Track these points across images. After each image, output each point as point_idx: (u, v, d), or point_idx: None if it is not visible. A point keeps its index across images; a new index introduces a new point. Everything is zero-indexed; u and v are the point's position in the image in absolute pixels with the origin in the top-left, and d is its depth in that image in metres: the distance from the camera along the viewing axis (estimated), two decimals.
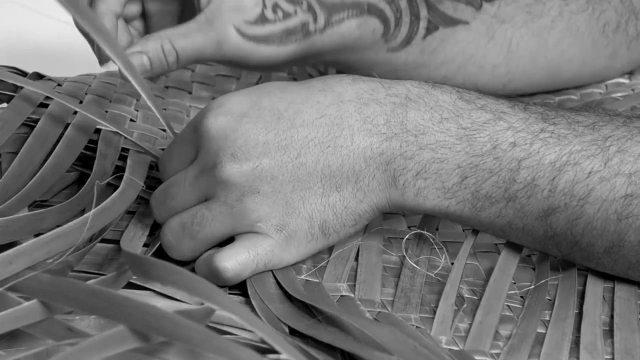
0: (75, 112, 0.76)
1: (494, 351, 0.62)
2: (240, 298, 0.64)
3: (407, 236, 0.70)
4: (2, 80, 0.77)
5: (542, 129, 0.64)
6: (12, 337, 0.57)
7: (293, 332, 0.61)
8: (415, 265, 0.68)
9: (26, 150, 0.72)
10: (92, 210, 0.64)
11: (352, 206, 0.65)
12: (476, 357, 0.61)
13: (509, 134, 0.64)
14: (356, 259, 0.68)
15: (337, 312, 0.60)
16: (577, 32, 0.88)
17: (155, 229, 0.70)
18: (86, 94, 0.82)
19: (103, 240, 0.68)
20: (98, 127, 0.76)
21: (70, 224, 0.63)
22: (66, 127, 0.75)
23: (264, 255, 0.64)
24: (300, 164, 0.64)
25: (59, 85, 0.81)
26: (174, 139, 0.69)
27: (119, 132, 0.75)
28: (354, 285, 0.66)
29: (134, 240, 0.68)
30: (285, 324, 0.62)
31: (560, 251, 0.66)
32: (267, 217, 0.64)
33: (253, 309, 0.63)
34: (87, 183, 0.71)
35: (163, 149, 0.75)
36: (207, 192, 0.65)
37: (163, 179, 0.68)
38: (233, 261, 0.64)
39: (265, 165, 0.63)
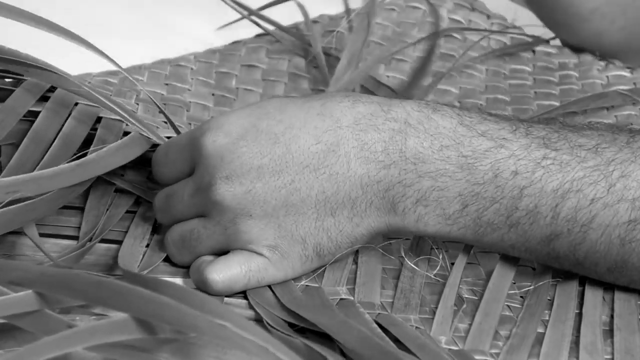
0: (76, 104, 0.76)
1: (493, 351, 0.62)
2: (241, 301, 0.65)
3: (405, 237, 0.70)
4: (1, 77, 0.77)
5: (544, 156, 0.64)
6: (10, 335, 0.57)
7: (296, 331, 0.62)
8: (414, 267, 0.68)
9: (26, 145, 0.72)
10: (91, 149, 0.69)
11: (348, 230, 0.65)
12: (476, 357, 0.61)
13: (510, 162, 0.64)
14: (355, 261, 0.68)
15: (322, 316, 0.60)
16: None
17: (155, 230, 0.70)
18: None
19: (102, 241, 0.68)
20: (100, 115, 0.76)
21: (70, 164, 0.66)
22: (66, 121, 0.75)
23: (257, 272, 0.65)
24: (294, 189, 0.64)
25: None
26: (170, 140, 0.69)
27: (119, 119, 0.75)
28: (354, 288, 0.66)
29: (134, 246, 0.68)
30: (286, 321, 0.62)
31: (562, 268, 0.66)
32: (259, 239, 0.64)
33: (254, 311, 0.63)
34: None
35: (167, 137, 0.75)
36: (202, 209, 0.65)
37: (156, 179, 0.70)
38: (224, 274, 0.64)
39: (258, 189, 0.63)
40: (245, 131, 0.64)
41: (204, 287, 0.64)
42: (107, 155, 0.69)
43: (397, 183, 0.64)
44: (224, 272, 0.64)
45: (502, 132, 0.64)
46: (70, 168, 0.67)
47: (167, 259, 0.68)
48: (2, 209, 0.64)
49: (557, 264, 0.66)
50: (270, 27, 0.96)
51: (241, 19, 0.95)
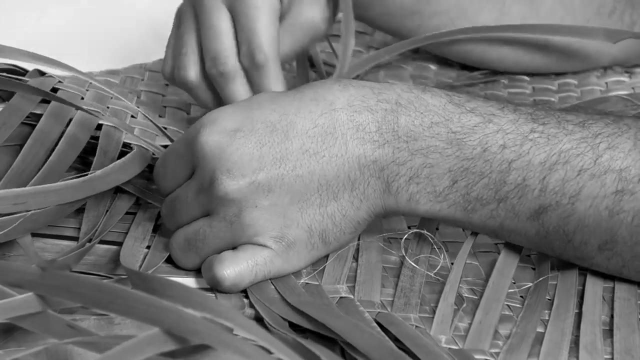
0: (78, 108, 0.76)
1: (493, 350, 0.62)
2: (244, 301, 0.65)
3: (406, 236, 0.70)
4: (2, 78, 0.76)
5: (532, 130, 0.64)
6: (11, 335, 0.57)
7: (296, 330, 0.61)
8: (414, 265, 0.68)
9: (28, 149, 0.72)
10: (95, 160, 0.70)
11: (351, 214, 0.65)
12: (476, 356, 0.61)
13: (498, 137, 0.64)
14: (356, 259, 0.68)
15: (330, 316, 0.60)
16: (570, 5, 0.89)
17: (156, 230, 0.70)
18: (87, 90, 0.82)
19: (102, 242, 0.68)
20: (100, 122, 0.76)
21: (76, 180, 0.67)
22: (68, 123, 0.75)
23: (264, 266, 0.65)
24: (296, 176, 0.64)
25: (59, 82, 0.81)
26: (166, 150, 0.69)
27: (119, 127, 0.75)
28: (354, 287, 0.66)
29: (135, 246, 0.68)
30: (286, 320, 0.62)
31: (553, 251, 0.66)
32: (265, 230, 0.64)
33: (255, 311, 0.63)
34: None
35: (164, 146, 0.75)
36: (207, 207, 0.65)
37: (160, 191, 0.69)
38: (231, 270, 0.64)
39: (261, 179, 0.63)
40: (241, 123, 0.64)
41: (214, 284, 0.64)
42: (112, 172, 0.70)
43: (391, 162, 0.64)
44: (231, 267, 0.64)
45: (490, 109, 0.65)
46: (77, 183, 0.68)
47: (169, 261, 0.68)
48: (2, 218, 0.64)
49: (548, 244, 0.66)
50: None
51: None
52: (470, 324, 0.63)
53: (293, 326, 0.62)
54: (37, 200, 0.66)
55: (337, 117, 0.64)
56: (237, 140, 0.64)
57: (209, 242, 0.65)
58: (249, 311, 0.64)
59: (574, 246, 0.65)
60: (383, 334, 0.61)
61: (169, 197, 0.68)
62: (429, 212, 0.65)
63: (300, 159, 0.64)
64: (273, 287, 0.65)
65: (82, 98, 0.78)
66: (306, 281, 0.66)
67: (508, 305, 0.66)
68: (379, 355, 0.56)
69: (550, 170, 0.63)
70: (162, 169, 0.68)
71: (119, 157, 0.73)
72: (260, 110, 0.64)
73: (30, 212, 0.65)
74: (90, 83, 0.82)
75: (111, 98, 0.81)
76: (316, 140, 0.64)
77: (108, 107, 0.80)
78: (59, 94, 0.77)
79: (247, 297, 0.65)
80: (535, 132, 0.64)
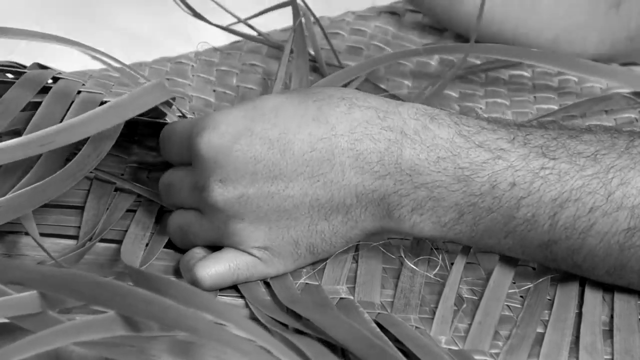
0: (79, 92, 0.75)
1: (493, 351, 0.62)
2: (240, 301, 0.65)
3: (405, 237, 0.70)
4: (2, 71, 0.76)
5: (542, 166, 0.63)
6: (10, 335, 0.57)
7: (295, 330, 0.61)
8: (414, 267, 0.68)
9: (29, 132, 0.71)
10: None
11: (342, 232, 0.65)
12: (476, 357, 0.61)
13: (508, 174, 0.63)
14: (356, 260, 0.68)
15: (326, 316, 0.60)
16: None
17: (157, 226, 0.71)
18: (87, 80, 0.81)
19: (103, 240, 0.68)
20: (103, 100, 0.75)
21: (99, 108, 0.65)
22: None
23: (245, 270, 0.65)
24: (287, 196, 0.64)
25: (59, 73, 0.81)
26: (174, 123, 0.69)
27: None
28: (354, 287, 0.66)
29: (135, 242, 0.68)
30: (283, 324, 0.62)
31: (560, 268, 0.67)
32: (249, 241, 0.65)
33: (251, 312, 0.63)
34: (86, 144, 0.69)
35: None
36: (198, 206, 0.66)
37: (162, 155, 0.70)
38: (212, 271, 0.65)
39: (251, 195, 0.64)
40: (240, 134, 0.64)
41: (192, 283, 0.65)
42: (137, 97, 0.68)
43: (392, 193, 0.64)
44: (212, 268, 0.65)
45: (499, 142, 0.64)
46: (101, 112, 0.66)
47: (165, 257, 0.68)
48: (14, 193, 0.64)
49: (555, 265, 0.66)
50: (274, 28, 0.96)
51: (237, 22, 0.95)
52: (470, 325, 0.63)
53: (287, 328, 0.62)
54: (64, 137, 0.64)
55: (337, 143, 0.64)
56: (233, 152, 0.64)
57: (198, 237, 0.67)
58: (244, 311, 0.64)
59: (582, 270, 0.65)
60: (381, 333, 0.61)
61: (166, 178, 0.69)
62: (434, 237, 0.65)
63: (293, 180, 0.64)
64: (268, 287, 0.65)
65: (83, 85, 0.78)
66: (306, 281, 0.66)
67: (508, 306, 0.66)
68: (365, 351, 0.56)
69: (561, 207, 0.63)
70: (167, 138, 0.69)
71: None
72: (262, 124, 0.64)
73: (38, 184, 0.65)
74: (91, 76, 0.82)
75: (111, 90, 0.81)
76: (312, 165, 0.64)
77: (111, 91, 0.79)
78: (58, 82, 0.76)
79: (242, 297, 0.65)
80: (545, 169, 0.63)
